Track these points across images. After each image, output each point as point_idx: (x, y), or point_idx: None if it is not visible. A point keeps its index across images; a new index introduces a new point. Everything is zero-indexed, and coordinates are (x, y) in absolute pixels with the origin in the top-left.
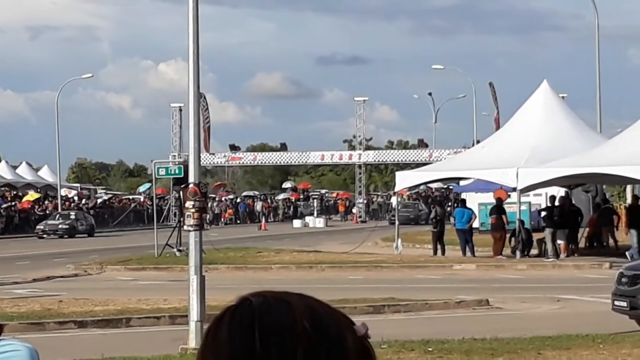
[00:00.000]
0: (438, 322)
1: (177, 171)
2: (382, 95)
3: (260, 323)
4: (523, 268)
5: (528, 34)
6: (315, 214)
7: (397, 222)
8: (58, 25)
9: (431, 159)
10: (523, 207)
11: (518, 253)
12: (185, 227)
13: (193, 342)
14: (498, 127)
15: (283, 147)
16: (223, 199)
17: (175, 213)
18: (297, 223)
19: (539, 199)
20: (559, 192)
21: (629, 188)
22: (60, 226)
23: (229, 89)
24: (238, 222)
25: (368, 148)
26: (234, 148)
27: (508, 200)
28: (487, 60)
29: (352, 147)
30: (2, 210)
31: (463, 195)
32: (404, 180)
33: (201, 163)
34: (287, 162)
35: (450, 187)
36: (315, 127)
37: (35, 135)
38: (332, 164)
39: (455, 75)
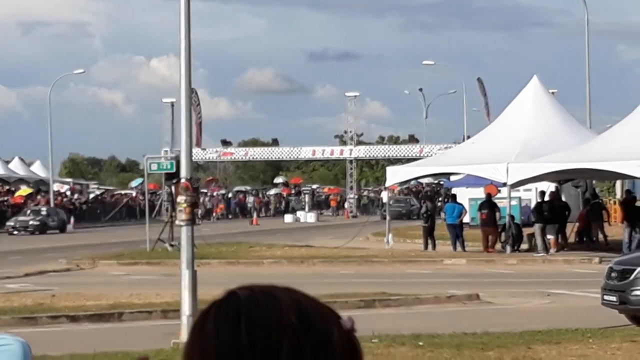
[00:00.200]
0: (429, 316)
1: (169, 166)
2: (373, 91)
3: (246, 317)
4: (513, 263)
5: (517, 30)
6: (306, 209)
7: (388, 217)
8: (50, 21)
9: (422, 155)
10: (513, 202)
11: (508, 248)
12: (177, 222)
13: (185, 336)
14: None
15: (275, 143)
16: (215, 194)
17: (167, 208)
18: (288, 218)
19: (529, 194)
20: (549, 187)
21: (618, 183)
22: (31, 222)
23: (221, 84)
24: (230, 217)
25: (359, 143)
26: (225, 143)
27: (498, 195)
28: (477, 56)
29: (344, 143)
30: None
31: (453, 191)
32: (395, 175)
33: (193, 158)
34: (279, 158)
35: (441, 182)
36: (306, 123)
37: (27, 131)
38: (324, 159)
39: (445, 71)
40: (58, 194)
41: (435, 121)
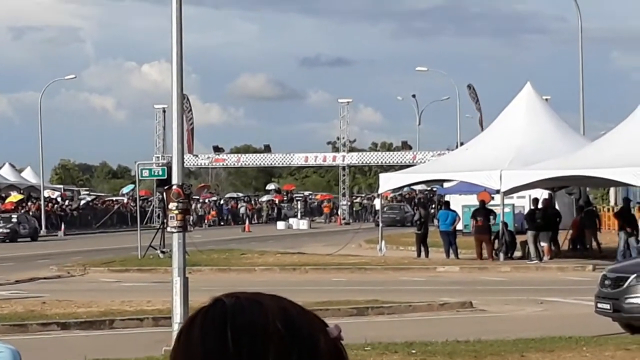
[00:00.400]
0: (421, 324)
1: (160, 172)
2: (366, 97)
3: (232, 324)
4: (506, 270)
5: (510, 37)
6: (299, 216)
7: (380, 224)
8: (41, 25)
9: (415, 161)
10: (506, 210)
11: (501, 255)
12: (168, 229)
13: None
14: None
15: (267, 149)
16: (206, 200)
17: (158, 215)
18: (280, 225)
19: (523, 201)
20: (543, 194)
21: (612, 190)
22: (0, 230)
23: (213, 90)
24: (222, 223)
25: (352, 150)
26: (217, 149)
27: (491, 202)
28: (470, 62)
29: (336, 149)
30: None
31: (447, 197)
32: (388, 182)
33: (185, 164)
34: (271, 164)
35: (434, 189)
36: (299, 129)
37: (18, 136)
38: (316, 165)
39: (438, 77)
40: (49, 200)
41: (428, 128)
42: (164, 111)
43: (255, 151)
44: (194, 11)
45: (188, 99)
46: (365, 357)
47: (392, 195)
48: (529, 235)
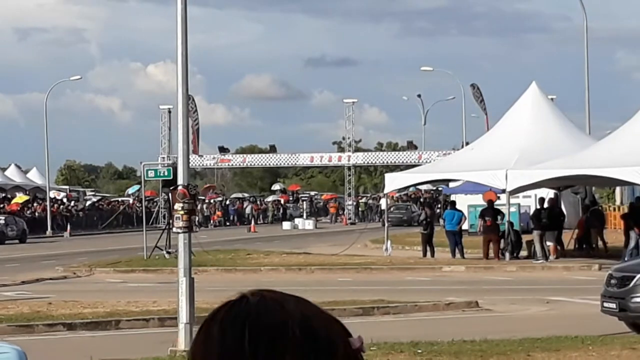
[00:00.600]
0: (427, 324)
1: (166, 173)
2: (371, 97)
3: (252, 324)
4: (512, 270)
5: (515, 36)
6: (304, 216)
7: (386, 224)
8: (46, 27)
9: (420, 161)
10: (512, 209)
11: (507, 255)
12: (174, 230)
13: (182, 344)
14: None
15: (272, 149)
16: (211, 200)
17: (164, 215)
18: (286, 225)
19: (529, 201)
20: (548, 193)
21: (618, 190)
22: None
23: (218, 90)
24: (227, 224)
25: (357, 150)
26: (223, 150)
27: (497, 202)
28: (475, 62)
29: (342, 149)
30: None
31: (452, 197)
32: (393, 182)
33: (190, 165)
34: (277, 164)
35: (440, 188)
36: (304, 129)
37: (23, 138)
38: (322, 165)
39: (444, 77)
40: (54, 201)
41: (433, 127)
42: (170, 112)
43: (261, 151)
44: (199, 12)
45: (193, 100)
46: (371, 357)
47: (397, 195)
48: (535, 235)
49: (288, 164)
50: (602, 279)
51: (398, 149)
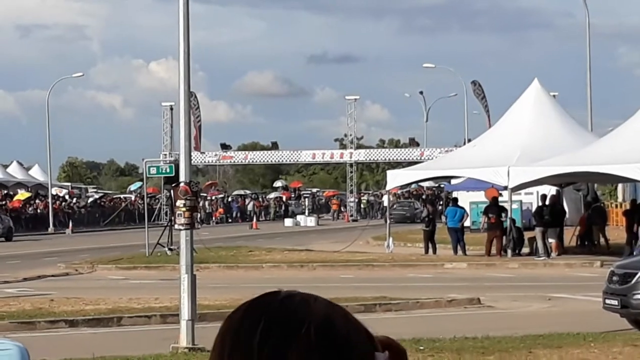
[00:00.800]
0: (429, 320)
1: (168, 170)
2: (373, 94)
3: (268, 316)
4: (514, 267)
5: (517, 33)
6: (306, 213)
7: (388, 221)
8: (48, 23)
9: (422, 158)
10: (514, 206)
11: (509, 252)
12: (176, 226)
13: (184, 341)
14: (490, 126)
15: (274, 146)
16: (213, 197)
17: (166, 212)
18: (288, 222)
19: (531, 198)
20: (550, 190)
21: (620, 186)
22: None
23: (220, 87)
24: (230, 221)
25: (359, 147)
26: (225, 147)
27: (499, 199)
28: (477, 58)
29: (344, 146)
30: None
31: (454, 194)
32: (395, 178)
33: (192, 162)
34: (279, 161)
35: (442, 185)
36: (306, 126)
37: (25, 134)
38: (324, 162)
39: (445, 74)
40: (57, 198)
41: (436, 124)
42: (172, 109)
43: (263, 148)
44: (201, 8)
45: (195, 97)
46: None
47: (400, 191)
48: (537, 232)
49: (290, 160)
50: (604, 276)
51: (400, 145)
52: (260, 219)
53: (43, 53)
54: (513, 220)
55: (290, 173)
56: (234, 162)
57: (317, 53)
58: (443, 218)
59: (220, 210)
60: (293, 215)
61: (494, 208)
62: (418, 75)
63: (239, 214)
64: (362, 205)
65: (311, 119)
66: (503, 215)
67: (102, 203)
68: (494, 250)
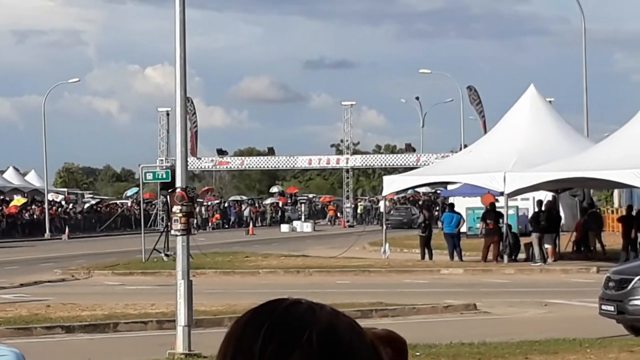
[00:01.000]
0: (426, 326)
1: (164, 176)
2: (369, 100)
3: (271, 321)
4: (511, 272)
5: (513, 39)
6: (303, 219)
7: (384, 227)
8: (44, 29)
9: (419, 163)
10: (510, 212)
11: (505, 257)
12: (172, 232)
13: (180, 347)
14: (486, 132)
15: (270, 152)
16: (210, 203)
17: (162, 218)
18: (284, 227)
19: (527, 203)
20: (547, 196)
21: (616, 192)
22: None
23: (216, 93)
24: (226, 226)
25: (355, 152)
26: (221, 152)
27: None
28: (473, 64)
29: (340, 152)
30: None
31: (451, 200)
32: (392, 184)
33: (188, 167)
34: (275, 167)
35: (438, 191)
36: (302, 132)
37: (22, 140)
38: (320, 168)
39: (442, 79)
40: (53, 203)
41: (432, 130)
42: (168, 114)
43: (259, 154)
44: (197, 14)
45: (192, 102)
46: None
47: (396, 197)
48: (534, 237)
49: (286, 166)
50: (600, 282)
51: (396, 151)
52: (257, 225)
53: (39, 59)
54: (509, 226)
55: (287, 179)
56: (230, 167)
57: (314, 58)
58: (439, 224)
59: (217, 215)
60: (289, 220)
61: (492, 214)
62: (414, 80)
63: (236, 220)
64: (358, 211)
65: (307, 125)
66: (501, 221)
67: (99, 209)
68: (490, 256)
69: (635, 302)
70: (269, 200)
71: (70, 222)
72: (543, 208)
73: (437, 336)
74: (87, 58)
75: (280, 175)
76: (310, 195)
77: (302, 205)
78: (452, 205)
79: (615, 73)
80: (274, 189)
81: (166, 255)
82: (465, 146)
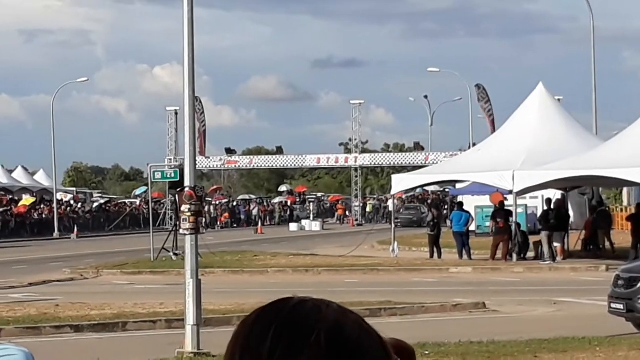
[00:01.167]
0: (435, 325)
1: (173, 175)
2: (377, 98)
3: (280, 321)
4: (519, 271)
5: (522, 37)
6: (311, 218)
7: (393, 225)
8: (52, 29)
9: (427, 162)
10: (519, 210)
11: (514, 256)
12: (181, 231)
13: (189, 346)
14: (494, 130)
15: (279, 151)
16: (218, 202)
17: (171, 217)
18: (293, 226)
19: (536, 202)
20: (555, 194)
21: (625, 190)
22: None
23: (225, 92)
24: (235, 225)
25: (364, 151)
26: (229, 151)
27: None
28: (482, 63)
29: (348, 151)
30: None
31: (459, 198)
32: (400, 183)
33: (197, 167)
34: (283, 166)
35: (447, 190)
36: (311, 131)
37: (30, 140)
38: (328, 167)
39: (450, 78)
40: (62, 203)
41: (440, 128)
42: (176, 113)
43: (268, 153)
44: (205, 13)
45: (200, 101)
46: None
47: (404, 196)
48: (543, 236)
49: (295, 165)
50: (610, 280)
51: (405, 150)
52: (265, 224)
53: (48, 58)
54: (518, 225)
55: (295, 177)
56: (239, 166)
57: (322, 57)
58: (448, 222)
59: (226, 215)
60: (298, 219)
61: (502, 212)
62: (423, 79)
63: (245, 219)
64: (367, 210)
65: (316, 124)
66: (510, 219)
67: (107, 208)
68: (499, 255)
69: None
70: (277, 199)
71: (79, 222)
72: (552, 206)
73: (446, 335)
74: (96, 58)
75: (289, 174)
76: (319, 194)
77: (311, 204)
78: (461, 204)
79: (624, 71)
80: (283, 188)
81: (175, 254)
82: (474, 145)
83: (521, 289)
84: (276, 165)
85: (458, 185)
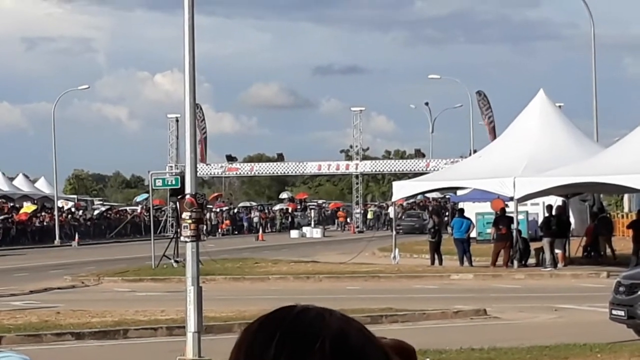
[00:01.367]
0: (436, 332)
1: (173, 182)
2: (378, 105)
3: (283, 329)
4: (521, 277)
5: (523, 44)
6: (312, 224)
7: (394, 232)
8: (53, 36)
9: (428, 169)
10: (520, 217)
11: (515, 262)
12: (182, 238)
13: (190, 353)
14: (494, 137)
15: (280, 158)
16: (219, 209)
17: (172, 224)
18: (294, 233)
19: (537, 209)
20: (556, 201)
21: (626, 197)
22: None
23: (225, 99)
24: (236, 232)
25: (365, 158)
26: (230, 159)
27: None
28: (483, 69)
29: (349, 157)
30: None
31: (460, 205)
32: (401, 190)
33: (198, 174)
34: (284, 173)
35: (448, 196)
36: (312, 137)
37: (32, 147)
38: (329, 174)
39: (451, 85)
40: (63, 210)
41: (441, 135)
42: (177, 120)
43: (269, 160)
44: (206, 21)
45: (201, 108)
46: None
47: (405, 203)
48: (545, 242)
49: (296, 172)
50: (611, 287)
51: (406, 157)
52: (266, 231)
53: (49, 66)
54: (519, 231)
55: (296, 184)
56: (240, 173)
57: (323, 64)
58: (449, 229)
59: (227, 222)
60: (299, 226)
61: (504, 219)
62: (424, 86)
63: (246, 226)
64: (368, 217)
65: (317, 131)
66: (512, 226)
67: (108, 215)
68: (500, 261)
69: None
70: (278, 206)
71: (80, 229)
72: (553, 213)
73: (447, 341)
74: (97, 65)
75: (290, 181)
76: (320, 201)
77: (312, 211)
78: (462, 211)
79: (625, 78)
80: (284, 195)
81: (176, 261)
82: (475, 151)
83: (522, 296)
84: (277, 172)
85: (459, 192)
